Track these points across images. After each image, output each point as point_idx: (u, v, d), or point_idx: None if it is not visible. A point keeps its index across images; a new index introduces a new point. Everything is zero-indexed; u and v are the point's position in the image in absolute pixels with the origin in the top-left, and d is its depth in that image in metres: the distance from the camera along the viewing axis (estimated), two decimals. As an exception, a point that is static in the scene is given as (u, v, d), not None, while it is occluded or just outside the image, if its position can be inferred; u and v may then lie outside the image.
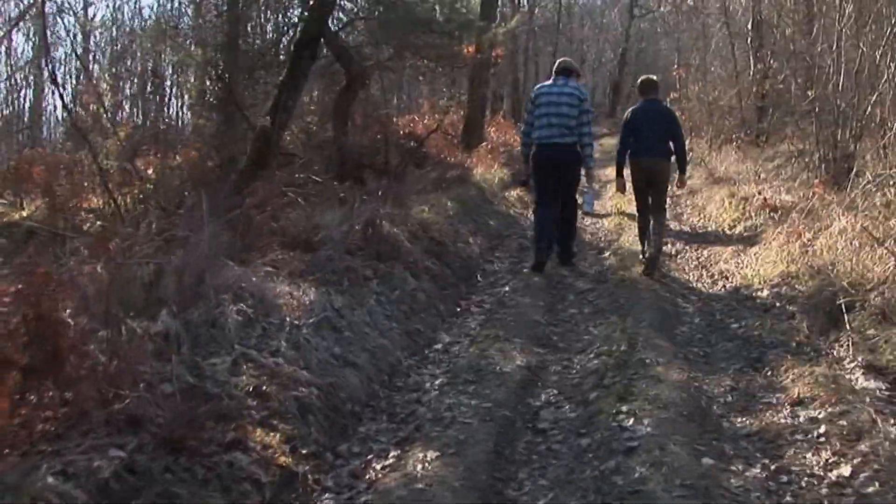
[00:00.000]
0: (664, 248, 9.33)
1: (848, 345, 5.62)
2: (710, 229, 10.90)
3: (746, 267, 8.57)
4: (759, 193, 10.70)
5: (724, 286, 8.16)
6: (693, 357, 6.15)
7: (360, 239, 7.59)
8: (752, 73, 19.29)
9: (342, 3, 15.23)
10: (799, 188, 10.82)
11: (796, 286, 7.31)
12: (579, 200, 10.35)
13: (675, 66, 24.37)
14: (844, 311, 5.95)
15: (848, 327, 5.81)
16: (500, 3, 21.50)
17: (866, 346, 5.50)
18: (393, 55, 15.19)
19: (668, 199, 9.91)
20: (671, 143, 8.79)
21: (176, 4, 22.26)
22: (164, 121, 18.01)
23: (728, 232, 10.38)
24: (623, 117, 9.30)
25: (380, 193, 9.85)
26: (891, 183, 7.70)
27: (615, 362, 5.76)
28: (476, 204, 11.82)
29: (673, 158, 8.92)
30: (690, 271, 9.01)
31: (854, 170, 10.50)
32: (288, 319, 5.44)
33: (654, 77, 9.59)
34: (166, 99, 19.90)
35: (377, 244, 7.58)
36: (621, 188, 9.40)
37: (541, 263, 8.80)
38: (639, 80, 9.59)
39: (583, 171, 9.39)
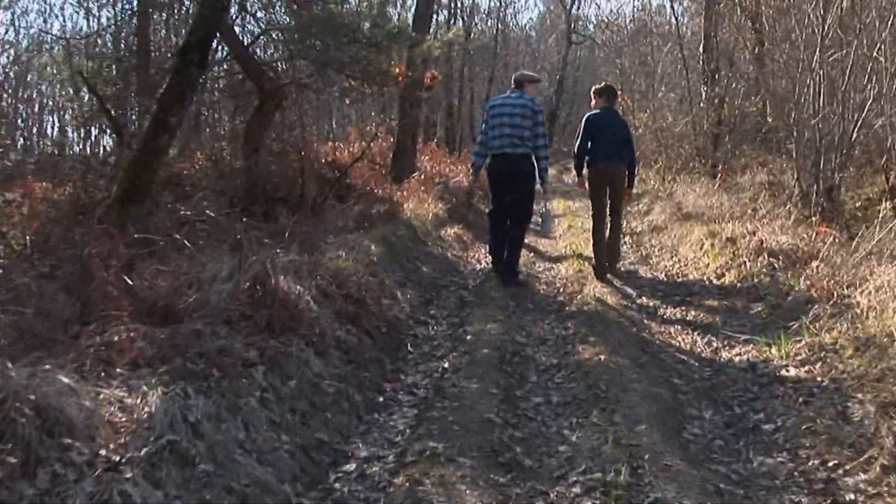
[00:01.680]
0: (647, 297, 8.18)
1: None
2: (690, 277, 8.95)
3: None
4: (754, 234, 8.78)
5: (732, 359, 6.23)
6: (727, 487, 4.12)
7: (247, 303, 5.49)
8: (704, 97, 17.78)
9: (255, 11, 13.29)
10: (793, 227, 9.02)
11: (837, 364, 5.41)
12: (534, 220, 10.03)
13: (619, 93, 22.73)
14: (949, 419, 4.04)
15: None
16: (434, 20, 19.68)
17: None
18: (313, 72, 13.31)
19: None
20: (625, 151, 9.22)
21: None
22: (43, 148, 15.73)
23: (716, 282, 8.43)
24: (582, 122, 9.54)
25: (286, 235, 7.89)
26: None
27: (618, 506, 3.77)
28: (406, 246, 9.75)
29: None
30: (679, 335, 7.06)
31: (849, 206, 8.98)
32: (103, 453, 3.37)
33: (612, 84, 10.14)
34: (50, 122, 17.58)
35: (269, 309, 5.46)
36: (582, 185, 9.64)
37: (499, 262, 9.14)
38: (595, 87, 9.87)
39: (538, 186, 9.22)
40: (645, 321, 7.46)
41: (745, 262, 8.29)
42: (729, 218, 10.58)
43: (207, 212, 9.07)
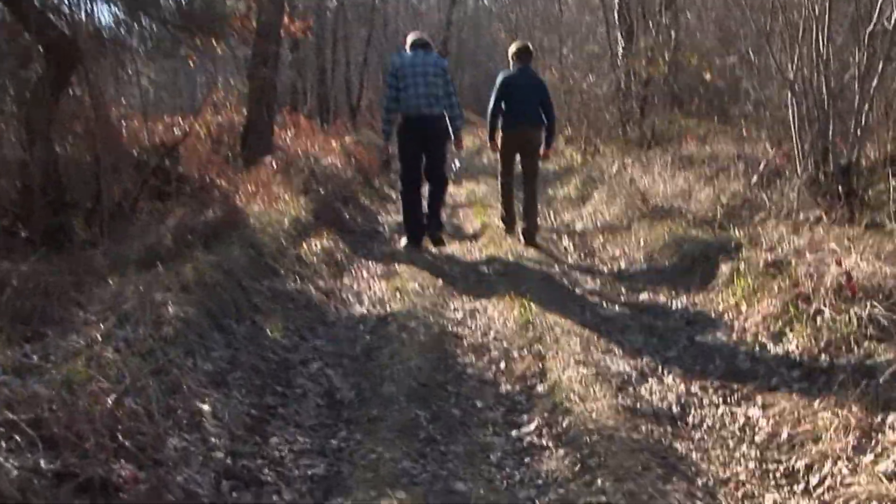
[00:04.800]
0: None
1: None
2: (720, 336, 5.27)
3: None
4: (839, 265, 5.08)
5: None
6: None
7: None
8: (623, 53, 14.64)
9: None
10: (863, 235, 5.58)
11: None
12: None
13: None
14: None
15: None
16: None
17: None
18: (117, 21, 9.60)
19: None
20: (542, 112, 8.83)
21: None
22: None
23: (773, 348, 4.80)
24: (497, 82, 9.01)
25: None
26: None
27: None
28: (239, 287, 5.85)
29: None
30: (759, 481, 3.51)
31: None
32: None
33: (529, 44, 9.56)
34: None
35: None
36: (496, 148, 9.31)
37: (417, 243, 8.60)
38: (513, 47, 9.30)
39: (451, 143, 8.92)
40: (675, 445, 3.88)
41: (823, 312, 4.72)
42: (728, 216, 7.19)
43: None
